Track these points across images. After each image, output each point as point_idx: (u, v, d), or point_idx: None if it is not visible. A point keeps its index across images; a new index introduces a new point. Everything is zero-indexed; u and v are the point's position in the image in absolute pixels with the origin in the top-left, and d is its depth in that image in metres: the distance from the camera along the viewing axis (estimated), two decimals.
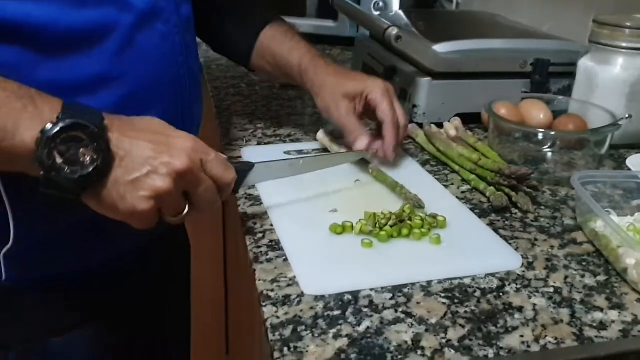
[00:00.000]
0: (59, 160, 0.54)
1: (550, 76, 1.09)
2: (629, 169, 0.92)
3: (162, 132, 0.61)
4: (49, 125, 0.54)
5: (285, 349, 0.53)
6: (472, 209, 0.79)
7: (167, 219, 0.62)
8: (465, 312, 0.59)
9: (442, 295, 0.62)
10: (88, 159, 0.55)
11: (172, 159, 0.58)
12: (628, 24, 0.97)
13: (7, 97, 0.55)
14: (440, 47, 1.05)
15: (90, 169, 0.55)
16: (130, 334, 0.84)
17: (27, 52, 0.61)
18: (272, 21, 0.99)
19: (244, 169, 0.72)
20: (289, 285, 0.62)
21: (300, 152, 0.95)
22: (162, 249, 0.88)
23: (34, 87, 0.58)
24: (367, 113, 0.91)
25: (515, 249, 0.70)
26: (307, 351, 0.53)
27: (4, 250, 0.68)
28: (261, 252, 0.68)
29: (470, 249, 0.70)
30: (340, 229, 0.72)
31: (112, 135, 0.57)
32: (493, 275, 0.65)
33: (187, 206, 0.62)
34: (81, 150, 0.55)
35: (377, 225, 0.71)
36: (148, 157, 0.58)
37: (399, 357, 0.53)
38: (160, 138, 0.59)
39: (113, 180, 0.57)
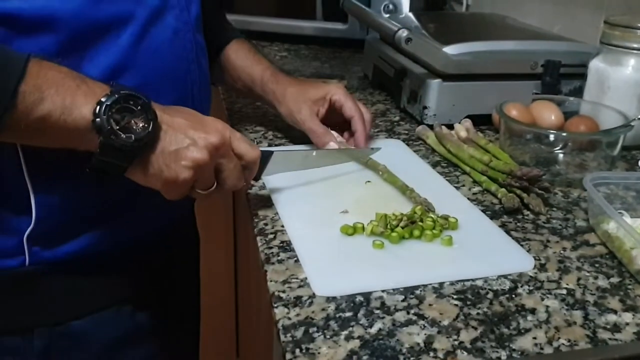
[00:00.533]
0: (115, 126, 0.60)
1: (561, 77, 1.08)
2: None
3: (194, 113, 0.68)
4: (104, 98, 0.60)
5: (297, 350, 0.53)
6: (483, 211, 0.79)
7: (196, 194, 0.67)
8: (478, 313, 0.59)
9: (454, 297, 0.61)
10: (140, 126, 0.62)
11: (208, 134, 0.65)
12: (639, 25, 0.96)
13: (63, 78, 0.60)
14: (450, 49, 1.05)
15: (144, 134, 0.62)
16: (145, 322, 0.85)
17: (53, 43, 0.64)
18: (235, 37, 1.04)
19: (265, 155, 0.76)
20: (300, 287, 0.62)
21: None
22: (177, 240, 0.90)
23: None
24: (332, 116, 0.96)
25: (527, 251, 0.70)
26: (319, 353, 0.53)
27: (27, 232, 0.70)
28: (272, 253, 0.68)
29: (482, 250, 0.70)
30: (351, 230, 0.71)
31: (156, 110, 0.63)
32: (505, 277, 0.65)
33: (215, 183, 0.68)
34: (133, 120, 0.61)
35: (388, 226, 0.71)
36: (187, 133, 0.64)
37: (411, 359, 0.52)
38: (194, 118, 0.67)
39: (160, 149, 0.63)
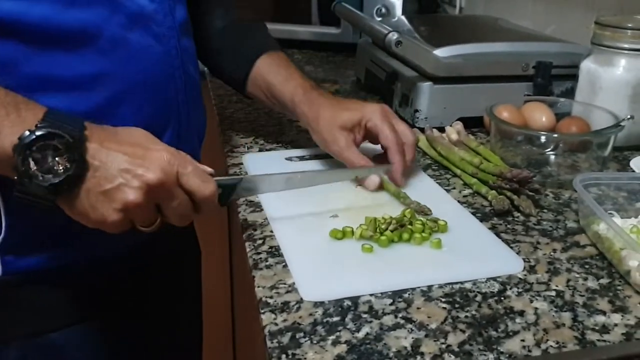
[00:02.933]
0: (32, 167, 0.57)
1: (553, 79, 1.08)
2: (633, 171, 0.91)
3: (142, 143, 0.62)
4: (26, 133, 0.56)
5: (284, 356, 0.53)
6: (473, 213, 0.79)
7: (138, 228, 0.63)
8: (466, 316, 0.59)
9: (443, 300, 0.61)
10: (61, 167, 0.57)
11: (146, 172, 0.59)
12: (630, 25, 0.96)
13: None
14: (441, 52, 1.05)
15: (62, 178, 0.57)
16: (134, 336, 0.83)
17: (21, 48, 0.63)
18: (269, 50, 0.97)
19: (229, 183, 0.70)
20: (288, 292, 0.62)
21: (301, 157, 0.95)
22: (167, 250, 0.88)
23: (28, 82, 0.62)
24: (370, 139, 0.88)
25: (517, 253, 0.70)
26: (305, 358, 0.53)
27: None
28: (260, 258, 0.68)
29: (472, 253, 0.69)
30: (341, 234, 0.71)
31: (90, 145, 0.59)
32: (494, 279, 0.65)
33: (159, 218, 0.64)
34: (56, 159, 0.57)
35: (378, 230, 0.71)
36: (122, 169, 0.59)
37: None
38: (137, 150, 0.61)
39: (85, 190, 0.59)
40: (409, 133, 0.85)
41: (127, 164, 0.59)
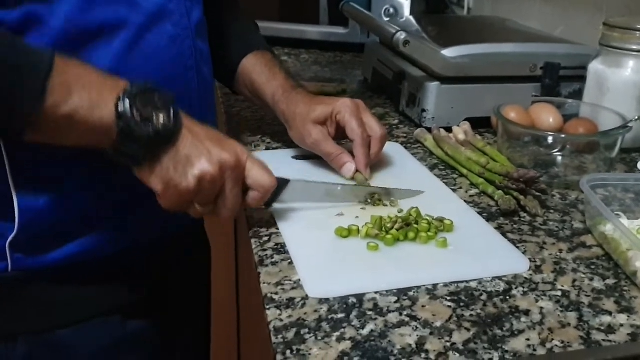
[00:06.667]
0: (137, 116, 0.60)
1: (561, 80, 1.08)
2: None
3: (215, 131, 0.68)
4: (129, 86, 0.61)
5: (288, 351, 0.53)
6: (480, 213, 0.79)
7: (192, 209, 0.67)
8: (471, 315, 0.58)
9: (448, 298, 0.61)
10: (161, 121, 0.62)
11: (223, 153, 0.65)
12: (638, 27, 0.95)
13: (89, 74, 0.61)
14: (449, 52, 1.05)
15: (163, 129, 0.62)
16: (143, 333, 0.83)
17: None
18: (256, 49, 0.99)
19: (280, 183, 0.73)
20: (293, 289, 0.62)
21: (306, 157, 0.95)
22: (179, 248, 0.88)
23: None
24: (342, 134, 0.89)
25: (523, 253, 0.70)
26: (309, 354, 0.53)
27: (9, 239, 0.69)
28: (266, 255, 0.68)
29: (477, 252, 0.69)
30: (346, 233, 0.71)
31: (182, 114, 0.65)
32: (500, 278, 0.65)
33: (212, 205, 0.68)
34: (155, 112, 0.62)
35: (383, 228, 0.71)
36: (205, 143, 0.65)
37: None
38: (214, 133, 0.67)
39: (175, 150, 0.63)
40: (377, 127, 0.88)
41: (210, 143, 0.65)
